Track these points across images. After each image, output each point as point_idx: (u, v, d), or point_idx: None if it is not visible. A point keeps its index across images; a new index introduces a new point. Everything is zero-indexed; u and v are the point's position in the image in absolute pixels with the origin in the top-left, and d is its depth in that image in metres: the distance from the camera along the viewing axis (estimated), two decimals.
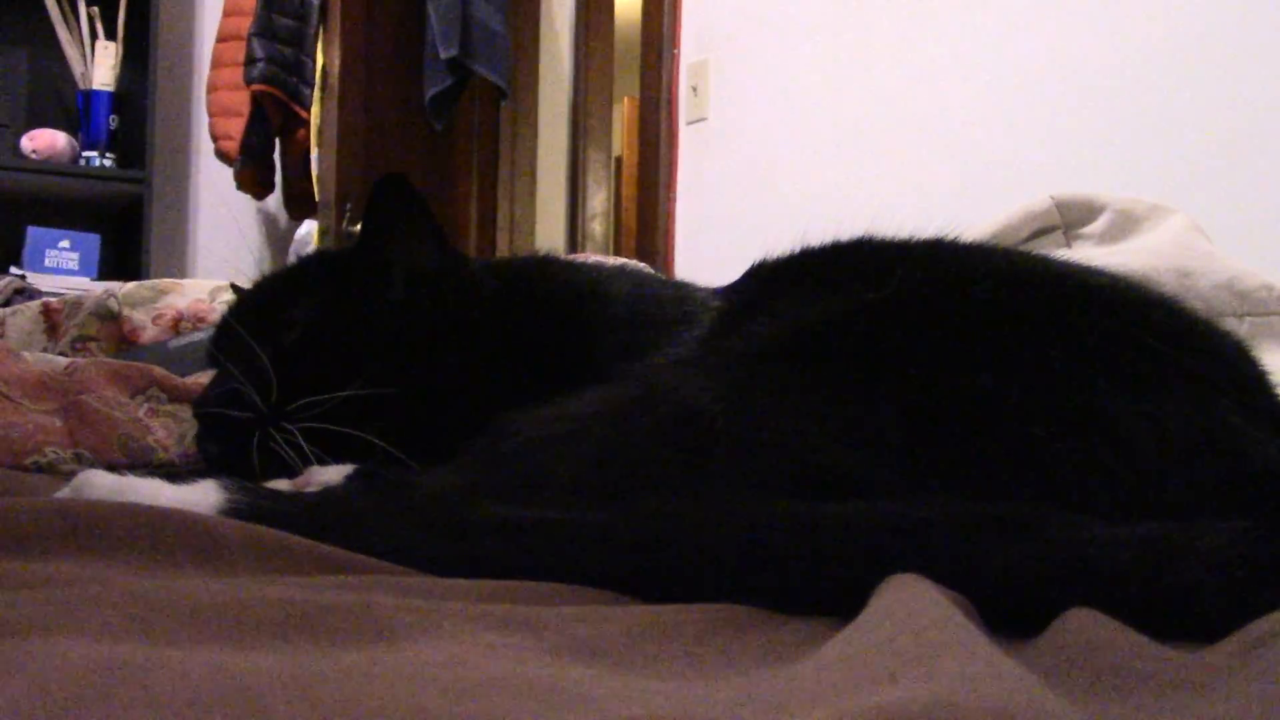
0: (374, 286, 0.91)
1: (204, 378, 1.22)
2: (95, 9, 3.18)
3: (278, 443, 0.83)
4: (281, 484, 0.80)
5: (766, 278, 0.87)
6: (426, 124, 3.10)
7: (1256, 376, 0.69)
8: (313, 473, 0.81)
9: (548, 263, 1.04)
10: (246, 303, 0.97)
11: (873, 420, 0.59)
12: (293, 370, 0.86)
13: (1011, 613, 0.48)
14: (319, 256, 0.95)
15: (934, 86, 2.14)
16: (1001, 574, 0.50)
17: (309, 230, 3.22)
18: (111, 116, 3.21)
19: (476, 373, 0.88)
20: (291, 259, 3.32)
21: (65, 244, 3.07)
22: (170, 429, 1.02)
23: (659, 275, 1.05)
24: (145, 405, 1.08)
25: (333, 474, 0.79)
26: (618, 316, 0.91)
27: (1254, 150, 1.59)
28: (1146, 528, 0.52)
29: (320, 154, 3.15)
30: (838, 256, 0.83)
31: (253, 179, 3.19)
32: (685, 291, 0.96)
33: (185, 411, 1.06)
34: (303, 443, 0.82)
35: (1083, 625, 0.45)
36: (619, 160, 4.54)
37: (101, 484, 0.62)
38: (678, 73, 2.77)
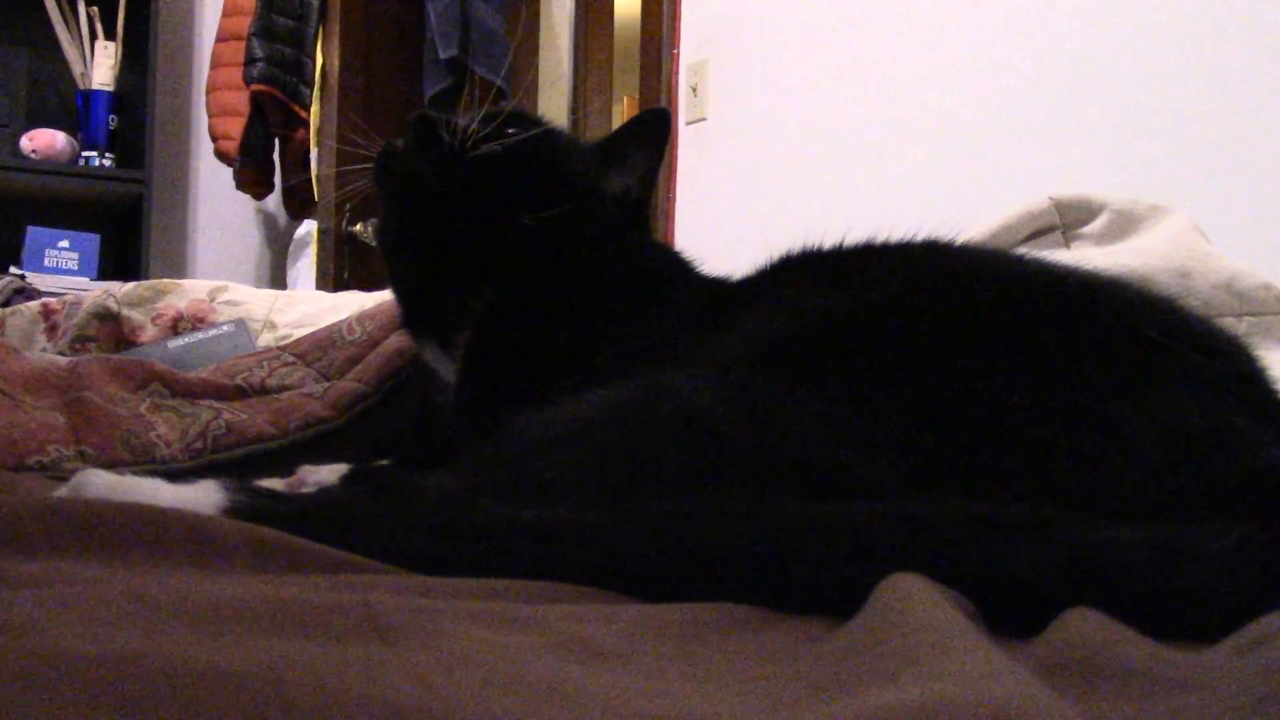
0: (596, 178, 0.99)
1: (204, 373, 1.22)
2: (95, 9, 3.18)
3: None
4: (274, 483, 0.80)
5: (779, 275, 0.86)
6: None
7: (1259, 377, 0.69)
8: (306, 473, 0.81)
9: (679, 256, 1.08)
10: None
11: (875, 421, 0.59)
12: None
13: (1016, 613, 0.48)
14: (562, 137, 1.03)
15: (933, 86, 2.14)
16: (1008, 575, 0.50)
17: (308, 230, 3.21)
18: (111, 116, 3.21)
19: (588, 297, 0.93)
20: (291, 259, 3.32)
21: (65, 244, 3.06)
22: (173, 424, 1.02)
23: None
24: (147, 401, 1.07)
25: (326, 474, 0.79)
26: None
27: (1254, 150, 1.59)
28: (1155, 530, 0.51)
29: (320, 154, 3.14)
30: (845, 257, 0.83)
31: (252, 179, 3.19)
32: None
33: (187, 407, 1.06)
34: None
35: (1082, 625, 0.45)
36: None
37: (100, 483, 0.62)
38: (677, 73, 2.77)
